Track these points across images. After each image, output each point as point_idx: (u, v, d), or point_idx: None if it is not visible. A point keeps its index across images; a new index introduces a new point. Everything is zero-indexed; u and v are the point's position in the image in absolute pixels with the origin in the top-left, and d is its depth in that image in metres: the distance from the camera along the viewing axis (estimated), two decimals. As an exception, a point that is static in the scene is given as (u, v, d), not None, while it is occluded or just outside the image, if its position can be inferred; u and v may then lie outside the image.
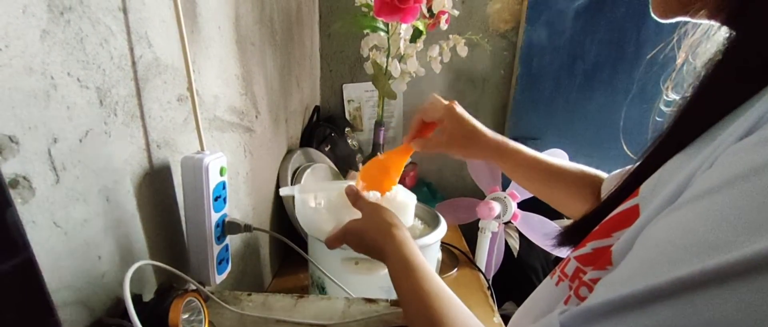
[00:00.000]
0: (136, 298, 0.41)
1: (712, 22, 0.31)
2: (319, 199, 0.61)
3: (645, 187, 0.28)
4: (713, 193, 0.18)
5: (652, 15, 0.33)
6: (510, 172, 0.58)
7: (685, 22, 0.36)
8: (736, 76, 0.25)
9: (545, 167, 0.56)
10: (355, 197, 0.53)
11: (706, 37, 0.35)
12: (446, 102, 0.56)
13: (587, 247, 0.31)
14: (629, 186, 0.30)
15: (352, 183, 0.56)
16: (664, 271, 0.17)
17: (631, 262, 0.21)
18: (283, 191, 0.62)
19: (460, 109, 0.55)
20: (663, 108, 0.33)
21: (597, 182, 0.55)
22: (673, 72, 0.37)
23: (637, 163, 0.32)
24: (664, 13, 0.32)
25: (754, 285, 0.14)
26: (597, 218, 0.32)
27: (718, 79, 0.26)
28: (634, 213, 0.27)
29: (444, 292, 0.37)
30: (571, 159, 0.95)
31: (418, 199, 0.66)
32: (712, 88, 0.27)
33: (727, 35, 0.26)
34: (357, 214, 0.52)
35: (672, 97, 0.37)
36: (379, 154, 0.65)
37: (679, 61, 0.37)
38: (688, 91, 0.29)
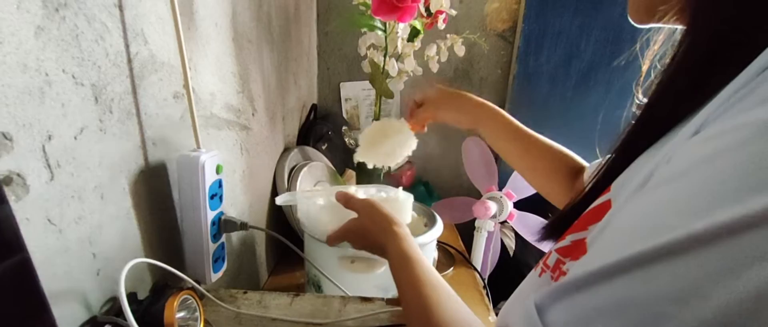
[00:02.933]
0: (132, 296, 0.41)
1: (679, 27, 0.33)
2: (322, 201, 0.61)
3: (616, 184, 0.30)
4: (669, 182, 0.22)
5: (630, 21, 0.35)
6: (491, 137, 0.63)
7: (648, 31, 0.37)
8: (688, 78, 0.27)
9: (525, 135, 0.61)
10: (346, 199, 0.54)
11: (671, 46, 0.37)
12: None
13: (566, 240, 0.33)
14: (602, 183, 0.33)
15: (341, 188, 0.58)
16: (626, 249, 0.20)
17: (598, 246, 0.25)
18: (281, 200, 0.61)
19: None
20: (635, 111, 0.34)
21: (574, 167, 0.59)
22: (640, 77, 0.38)
23: (608, 161, 0.34)
24: (639, 19, 0.34)
25: (696, 259, 0.18)
26: (575, 213, 0.35)
27: (672, 81, 0.28)
28: (606, 207, 0.29)
29: (439, 282, 0.39)
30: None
31: (415, 198, 0.66)
32: (667, 92, 0.29)
33: (681, 37, 0.28)
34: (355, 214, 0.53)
35: (643, 99, 0.38)
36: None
37: (644, 68, 0.39)
38: (649, 93, 0.31)
